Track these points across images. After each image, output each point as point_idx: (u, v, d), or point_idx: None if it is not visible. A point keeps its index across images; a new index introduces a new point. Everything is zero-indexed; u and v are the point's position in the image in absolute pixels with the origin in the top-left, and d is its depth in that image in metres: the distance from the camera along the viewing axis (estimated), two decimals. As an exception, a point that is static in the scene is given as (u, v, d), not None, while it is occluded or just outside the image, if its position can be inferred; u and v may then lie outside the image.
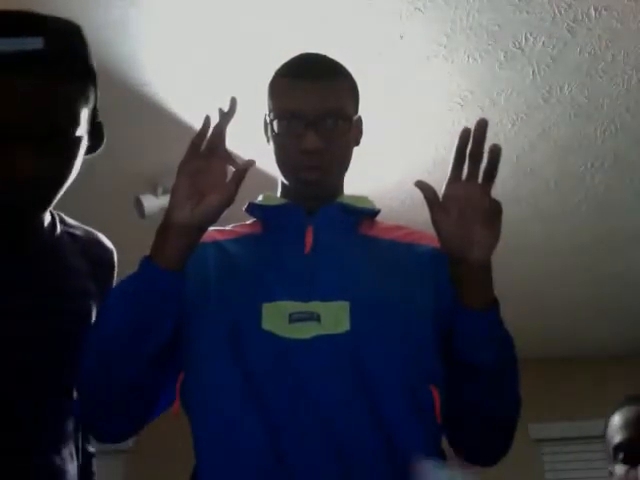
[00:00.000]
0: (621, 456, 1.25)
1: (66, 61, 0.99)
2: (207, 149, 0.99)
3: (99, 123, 1.09)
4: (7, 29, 0.97)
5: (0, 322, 0.98)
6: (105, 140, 1.11)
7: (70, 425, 1.07)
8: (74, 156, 1.01)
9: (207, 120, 1.00)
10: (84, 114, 1.01)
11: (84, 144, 1.04)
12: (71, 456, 1.06)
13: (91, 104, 1.04)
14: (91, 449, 1.19)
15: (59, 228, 1.13)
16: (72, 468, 1.06)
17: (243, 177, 0.98)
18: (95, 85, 1.05)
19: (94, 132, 1.07)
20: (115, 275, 1.21)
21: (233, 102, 1.00)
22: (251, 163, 0.99)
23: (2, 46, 0.95)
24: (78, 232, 1.17)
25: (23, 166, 0.95)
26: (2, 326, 0.98)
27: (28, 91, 0.95)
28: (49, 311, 1.03)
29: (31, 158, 0.95)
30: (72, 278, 1.10)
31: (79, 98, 1.00)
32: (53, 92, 0.96)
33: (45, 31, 0.98)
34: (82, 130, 1.01)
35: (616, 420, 1.29)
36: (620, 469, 1.25)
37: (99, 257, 1.18)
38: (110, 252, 1.22)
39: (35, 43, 0.96)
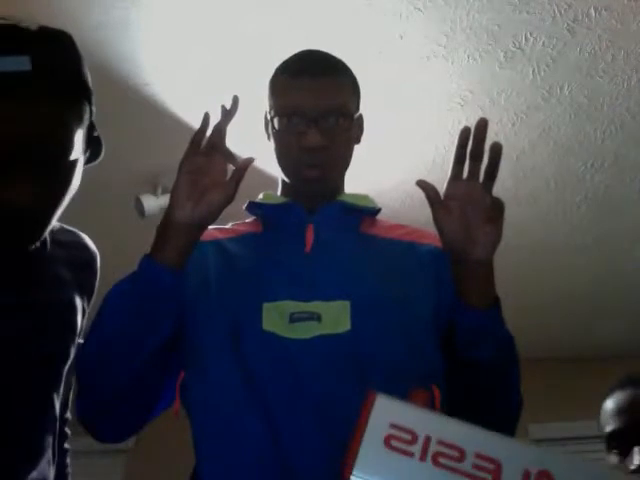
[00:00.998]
0: (614, 445, 1.21)
1: (55, 82, 0.93)
2: (207, 147, 0.99)
3: (97, 137, 1.04)
4: None
5: None
6: (105, 140, 1.08)
7: (50, 436, 1.03)
8: (69, 181, 0.97)
9: (206, 117, 0.99)
10: (78, 136, 0.96)
11: (80, 166, 0.99)
12: (49, 463, 1.03)
13: (86, 122, 0.99)
14: (66, 446, 1.17)
15: (48, 239, 1.06)
16: (50, 474, 1.03)
17: (243, 175, 0.98)
18: (90, 101, 1.00)
19: (91, 146, 1.03)
20: (97, 279, 1.17)
21: (235, 101, 1.00)
22: (250, 161, 0.99)
23: None
24: (61, 237, 1.11)
25: (11, 195, 0.90)
26: None
27: (14, 116, 0.89)
28: (36, 328, 1.00)
29: (23, 187, 0.90)
30: (58, 291, 1.06)
31: (71, 120, 0.95)
32: (42, 117, 0.91)
33: (33, 49, 0.92)
34: (77, 152, 0.96)
35: (608, 406, 1.22)
36: (613, 459, 1.21)
37: (82, 262, 1.14)
38: (93, 255, 1.17)
39: (22, 64, 0.90)
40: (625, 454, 1.17)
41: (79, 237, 1.17)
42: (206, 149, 0.98)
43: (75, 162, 0.97)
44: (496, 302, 0.98)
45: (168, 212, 0.97)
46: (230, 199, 0.98)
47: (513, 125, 2.57)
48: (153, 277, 0.96)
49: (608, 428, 1.21)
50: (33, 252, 1.02)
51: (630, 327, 3.96)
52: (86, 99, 0.99)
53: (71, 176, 0.97)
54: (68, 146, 0.94)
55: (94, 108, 1.01)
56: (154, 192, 2.77)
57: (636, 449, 1.14)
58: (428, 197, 0.95)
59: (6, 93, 0.90)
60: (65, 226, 1.14)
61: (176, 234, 0.96)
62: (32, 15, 2.07)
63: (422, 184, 0.95)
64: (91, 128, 1.02)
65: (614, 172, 2.81)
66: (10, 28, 0.95)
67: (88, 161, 1.05)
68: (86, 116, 0.99)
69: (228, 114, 1.00)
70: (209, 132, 0.99)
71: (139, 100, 2.40)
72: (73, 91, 0.97)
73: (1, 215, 0.92)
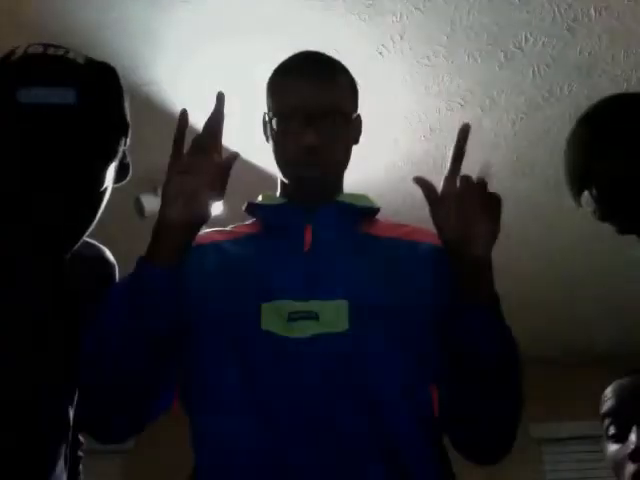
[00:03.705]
0: (611, 431, 1.16)
1: (96, 118, 0.95)
2: (194, 145, 0.99)
3: (127, 164, 1.07)
4: (38, 76, 0.92)
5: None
6: None
7: (63, 443, 1.04)
8: (97, 208, 1.00)
9: (184, 115, 0.98)
10: (111, 169, 0.98)
11: (109, 191, 1.01)
12: (62, 471, 1.03)
13: (120, 155, 1.01)
14: (79, 453, 1.17)
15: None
16: None
17: (229, 171, 0.98)
18: (127, 135, 1.02)
19: (120, 170, 1.06)
20: None
21: (219, 98, 0.99)
22: (235, 155, 0.98)
23: (31, 96, 0.90)
24: (83, 250, 1.12)
25: (43, 219, 0.92)
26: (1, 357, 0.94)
27: (51, 149, 0.91)
28: (53, 338, 1.01)
29: (55, 213, 0.93)
30: (79, 303, 1.06)
31: (106, 156, 0.97)
32: (79, 152, 0.93)
33: (78, 83, 0.93)
34: (108, 182, 0.99)
35: (607, 390, 1.18)
36: (611, 448, 1.17)
37: (102, 275, 1.15)
38: (112, 268, 1.18)
39: (66, 97, 0.92)
40: (622, 439, 1.12)
41: (99, 250, 1.18)
42: (193, 147, 0.98)
43: (104, 193, 1.00)
44: (495, 298, 0.97)
45: (160, 213, 0.97)
46: (219, 196, 0.97)
47: (513, 125, 2.57)
48: (149, 279, 0.95)
49: (603, 408, 1.16)
50: (56, 264, 1.03)
51: (630, 327, 3.96)
52: (123, 134, 1.02)
53: (100, 203, 1.01)
54: (101, 182, 0.98)
55: (129, 140, 1.04)
56: (154, 192, 2.76)
57: (634, 428, 1.10)
58: (425, 195, 0.95)
59: (47, 124, 0.91)
60: (87, 239, 1.15)
61: (170, 235, 0.96)
62: (32, 14, 2.08)
63: (419, 181, 0.95)
64: (123, 156, 1.05)
65: (614, 172, 2.81)
66: (58, 59, 0.96)
67: (115, 182, 1.08)
68: (121, 149, 1.02)
69: (215, 112, 0.99)
70: (206, 131, 0.99)
71: (139, 100, 2.40)
72: (112, 127, 0.99)
73: (29, 237, 0.95)
